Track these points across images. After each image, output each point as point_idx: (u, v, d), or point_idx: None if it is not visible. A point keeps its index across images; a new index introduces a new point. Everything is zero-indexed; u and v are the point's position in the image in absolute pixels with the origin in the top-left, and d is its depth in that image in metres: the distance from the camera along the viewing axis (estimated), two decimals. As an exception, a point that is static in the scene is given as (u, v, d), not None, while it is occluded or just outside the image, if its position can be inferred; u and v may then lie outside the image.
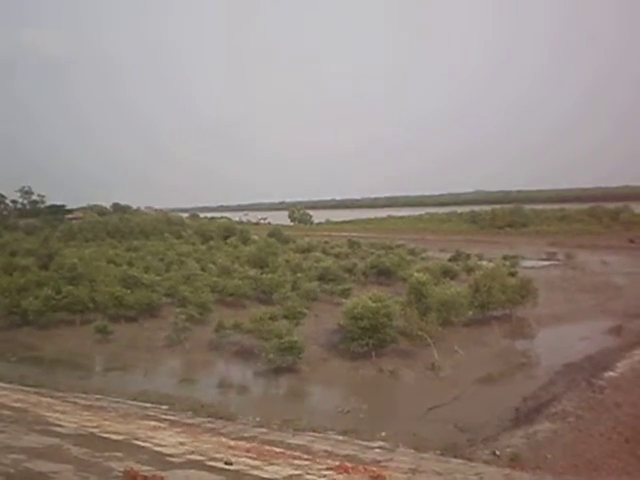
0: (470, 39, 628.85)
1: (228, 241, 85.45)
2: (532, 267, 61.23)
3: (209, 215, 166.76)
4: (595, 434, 18.67)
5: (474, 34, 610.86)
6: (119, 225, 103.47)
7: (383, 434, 20.42)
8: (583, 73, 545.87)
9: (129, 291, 43.63)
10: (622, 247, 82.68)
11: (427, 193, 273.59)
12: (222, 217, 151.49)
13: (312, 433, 20.24)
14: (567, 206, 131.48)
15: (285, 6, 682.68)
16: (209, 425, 20.85)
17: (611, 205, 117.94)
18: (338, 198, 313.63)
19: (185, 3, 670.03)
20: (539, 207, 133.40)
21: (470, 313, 37.77)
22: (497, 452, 17.61)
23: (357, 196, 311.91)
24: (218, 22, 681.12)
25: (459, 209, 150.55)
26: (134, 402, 25.23)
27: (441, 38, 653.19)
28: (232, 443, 16.00)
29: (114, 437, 13.84)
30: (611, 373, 22.68)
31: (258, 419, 22.66)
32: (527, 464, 16.80)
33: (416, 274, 37.65)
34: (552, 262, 69.37)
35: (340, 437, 19.75)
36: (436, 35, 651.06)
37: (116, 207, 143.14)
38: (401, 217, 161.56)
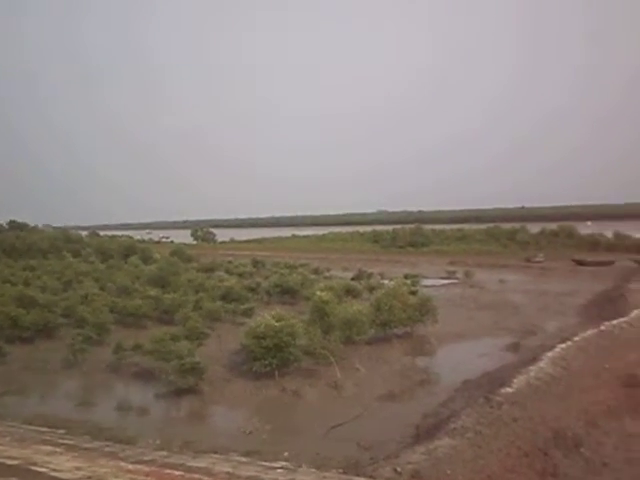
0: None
1: (129, 260, 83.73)
2: (432, 285, 62.57)
3: (110, 233, 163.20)
4: (494, 449, 19.05)
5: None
6: (15, 243, 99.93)
7: (286, 454, 20.26)
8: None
9: (25, 311, 42.02)
10: (519, 266, 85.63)
11: (332, 213, 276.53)
12: (123, 235, 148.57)
13: (214, 455, 19.89)
14: (466, 226, 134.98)
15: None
16: (107, 449, 20.21)
17: (508, 225, 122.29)
18: (242, 217, 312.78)
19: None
20: (439, 227, 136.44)
21: (372, 331, 38.14)
22: (398, 469, 17.69)
23: (261, 215, 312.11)
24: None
25: (362, 229, 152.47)
26: (30, 426, 24.24)
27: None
28: (130, 467, 15.58)
29: (9, 462, 13.29)
30: (508, 389, 23.25)
31: (158, 442, 22.10)
32: (429, 480, 17.00)
33: (319, 293, 37.72)
34: (452, 281, 71.05)
35: (242, 458, 19.47)
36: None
37: (12, 225, 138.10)
38: (305, 236, 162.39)
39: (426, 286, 59.17)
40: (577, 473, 18.97)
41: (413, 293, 44.91)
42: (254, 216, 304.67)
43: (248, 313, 44.48)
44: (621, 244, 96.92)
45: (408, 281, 55.15)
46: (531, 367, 25.96)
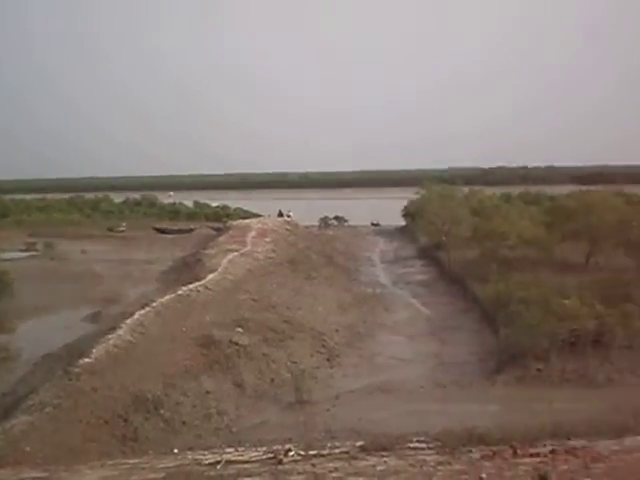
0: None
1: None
2: (10, 259, 59.49)
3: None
4: (74, 421, 19.39)
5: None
6: None
7: None
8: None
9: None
10: (102, 236, 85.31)
11: None
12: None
13: None
14: (48, 196, 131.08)
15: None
16: None
17: (92, 195, 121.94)
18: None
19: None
20: (19, 197, 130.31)
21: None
22: None
23: None
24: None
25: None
26: None
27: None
28: None
29: None
30: (87, 359, 23.51)
31: None
32: (6, 460, 16.72)
33: None
34: (31, 253, 68.28)
35: None
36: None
37: None
38: None
39: (3, 260, 56.17)
40: (157, 434, 20.25)
41: (-13, 268, 42.55)
42: None
43: None
44: (200, 212, 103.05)
45: (-18, 255, 51.99)
46: (110, 336, 26.50)
